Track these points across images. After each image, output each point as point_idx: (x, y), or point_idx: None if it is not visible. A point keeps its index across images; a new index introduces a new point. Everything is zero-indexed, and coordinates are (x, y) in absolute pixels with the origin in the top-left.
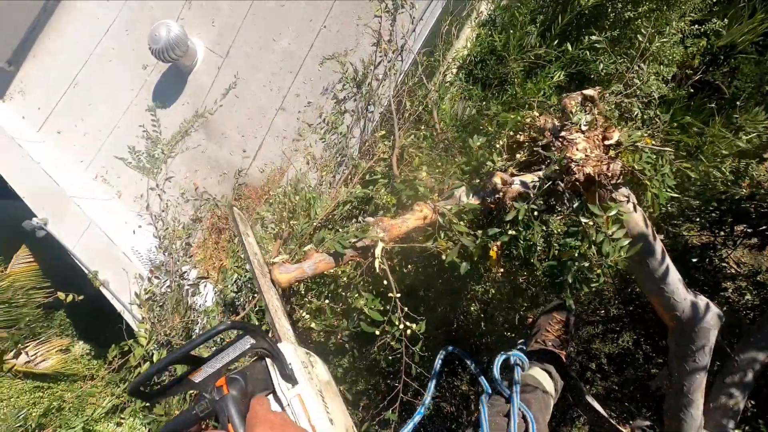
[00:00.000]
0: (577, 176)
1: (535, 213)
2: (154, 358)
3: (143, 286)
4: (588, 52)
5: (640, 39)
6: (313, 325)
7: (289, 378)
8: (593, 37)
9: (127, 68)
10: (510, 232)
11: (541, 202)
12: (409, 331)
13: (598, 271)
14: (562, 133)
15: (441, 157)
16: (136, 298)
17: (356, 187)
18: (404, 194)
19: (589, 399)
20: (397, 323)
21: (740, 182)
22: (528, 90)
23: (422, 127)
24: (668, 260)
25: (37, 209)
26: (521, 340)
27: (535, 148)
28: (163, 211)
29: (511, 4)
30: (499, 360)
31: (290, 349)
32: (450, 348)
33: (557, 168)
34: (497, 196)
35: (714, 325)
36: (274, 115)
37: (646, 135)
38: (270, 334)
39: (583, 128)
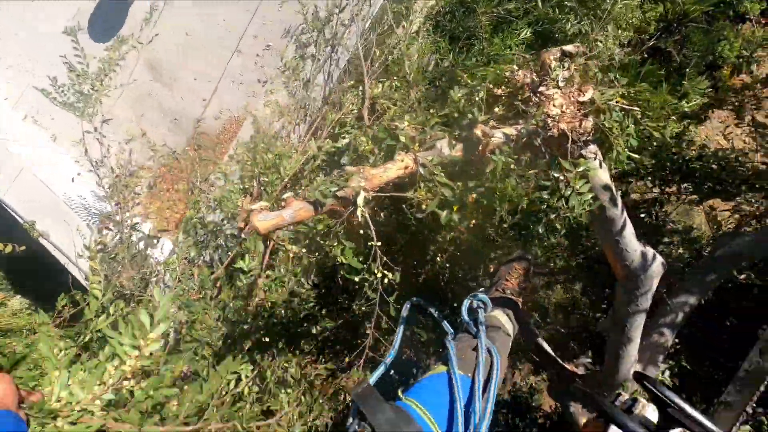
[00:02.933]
0: (552, 132)
1: (512, 167)
2: (111, 311)
3: (93, 237)
4: (557, 10)
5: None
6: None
7: None
8: None
9: None
10: (487, 184)
11: (517, 157)
12: (386, 280)
13: (558, 224)
14: (541, 89)
15: (414, 108)
16: (86, 250)
17: (326, 141)
18: (386, 143)
19: (540, 341)
20: (375, 271)
21: (683, 144)
22: (495, 45)
23: (393, 78)
24: (625, 214)
25: None
26: (482, 289)
27: (514, 102)
28: (105, 157)
29: None
30: (466, 303)
31: None
32: (414, 299)
33: (535, 123)
34: (479, 148)
35: (658, 273)
36: (229, 58)
37: (618, 94)
38: None
39: (561, 84)
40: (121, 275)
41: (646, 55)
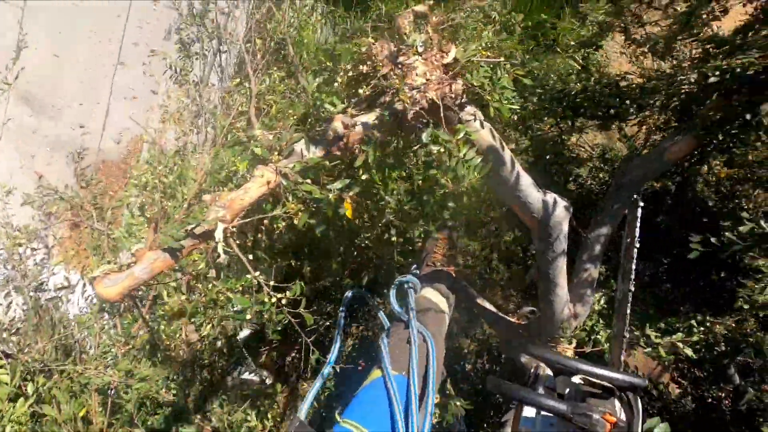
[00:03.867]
0: (421, 103)
1: (387, 151)
2: (29, 390)
3: None
4: None
5: None
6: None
7: None
8: None
9: None
10: (363, 177)
11: (391, 138)
12: (283, 301)
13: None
14: (400, 59)
15: (300, 100)
16: None
17: (227, 151)
18: (240, 159)
19: (480, 301)
20: (266, 300)
21: (589, 68)
22: (391, 3)
23: (278, 68)
24: (518, 167)
25: None
26: (414, 266)
27: (375, 79)
28: None
29: None
30: (393, 289)
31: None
32: (349, 294)
33: (400, 98)
34: (341, 142)
35: (564, 216)
36: (113, 73)
37: (480, 48)
38: None
39: (420, 50)
40: (32, 350)
41: None
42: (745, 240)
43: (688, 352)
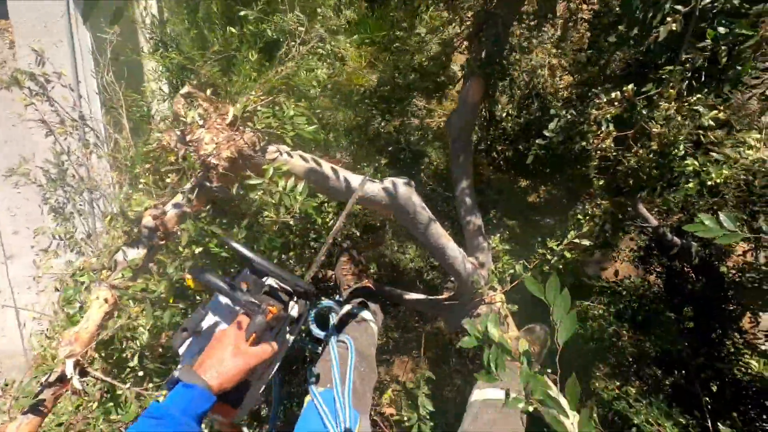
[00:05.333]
0: (221, 165)
1: (207, 220)
2: None
3: None
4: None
5: None
6: None
7: None
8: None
9: None
10: (196, 251)
11: (206, 210)
12: None
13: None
14: (188, 138)
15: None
16: None
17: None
18: (74, 293)
19: (406, 296)
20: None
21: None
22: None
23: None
24: (342, 172)
25: None
26: (337, 296)
27: (176, 166)
28: None
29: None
30: (311, 318)
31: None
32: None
33: (198, 171)
34: (158, 233)
35: (409, 193)
36: (5, 271)
37: (252, 94)
38: None
39: (200, 123)
40: None
41: None
42: (560, 133)
43: (585, 242)
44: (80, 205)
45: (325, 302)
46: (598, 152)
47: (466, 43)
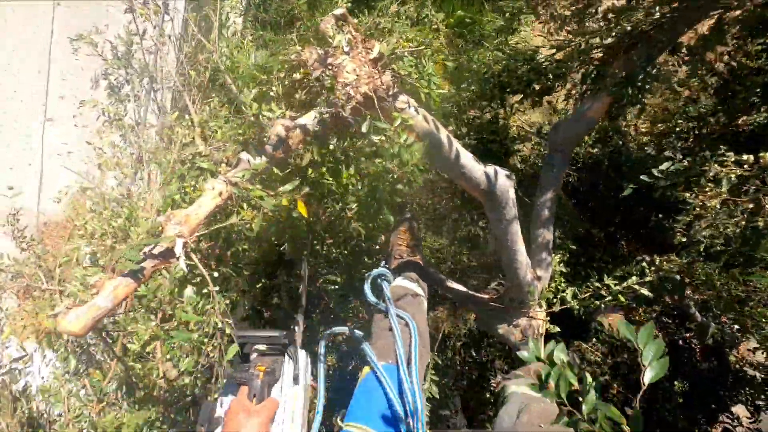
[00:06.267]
0: (356, 98)
1: (330, 148)
2: None
3: None
4: None
5: None
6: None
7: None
8: None
9: None
10: (312, 175)
11: (332, 134)
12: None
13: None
14: (329, 60)
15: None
16: None
17: (172, 184)
18: (189, 176)
19: (449, 284)
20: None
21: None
22: (316, 23)
23: (216, 94)
24: (456, 145)
25: None
26: (383, 262)
27: (310, 84)
28: None
29: None
30: (367, 283)
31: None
32: (326, 333)
33: (334, 96)
34: (284, 145)
35: (507, 184)
36: (41, 131)
37: (401, 39)
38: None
39: (346, 49)
40: None
41: None
42: (668, 177)
43: (645, 292)
44: (138, 91)
45: (381, 269)
46: (696, 209)
47: (601, 54)
